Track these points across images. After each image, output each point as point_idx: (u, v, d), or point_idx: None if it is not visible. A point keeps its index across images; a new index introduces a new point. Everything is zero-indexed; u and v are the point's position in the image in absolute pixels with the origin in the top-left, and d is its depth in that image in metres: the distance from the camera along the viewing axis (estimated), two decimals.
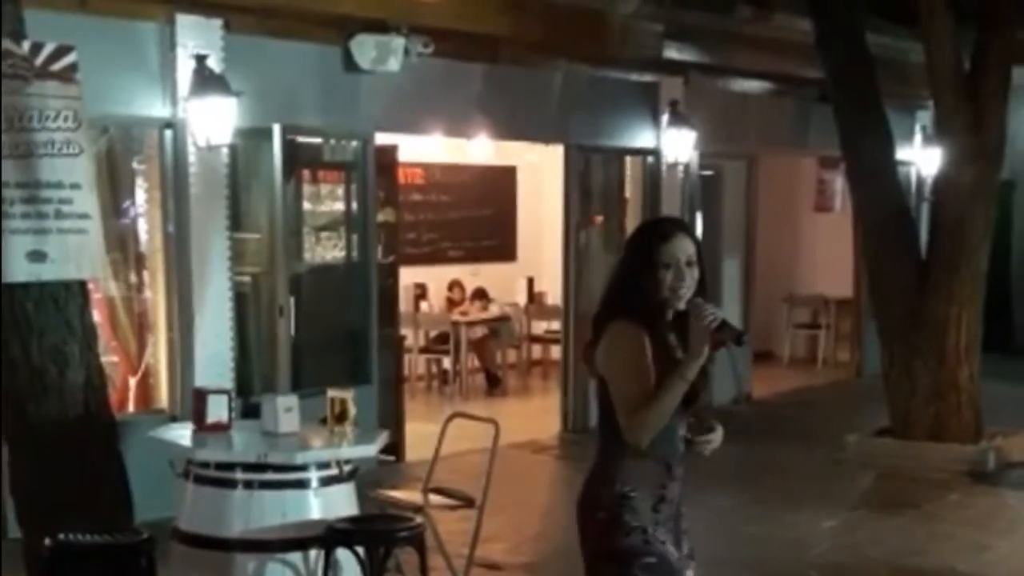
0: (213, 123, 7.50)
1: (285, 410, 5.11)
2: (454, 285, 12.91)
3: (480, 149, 12.83)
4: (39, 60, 5.29)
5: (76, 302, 5.36)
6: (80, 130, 5.36)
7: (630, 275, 3.49)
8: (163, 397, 7.82)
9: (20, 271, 5.19)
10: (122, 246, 7.78)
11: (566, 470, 9.14)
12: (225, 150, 7.73)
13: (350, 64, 8.42)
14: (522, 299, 13.44)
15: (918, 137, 13.70)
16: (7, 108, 5.14)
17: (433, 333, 12.67)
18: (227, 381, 7.43)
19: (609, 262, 9.72)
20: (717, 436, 3.54)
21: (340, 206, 8.97)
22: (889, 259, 9.56)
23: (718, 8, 10.85)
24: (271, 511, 4.79)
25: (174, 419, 7.13)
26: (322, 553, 4.75)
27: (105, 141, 7.56)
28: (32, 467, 5.35)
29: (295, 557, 4.78)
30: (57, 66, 5.35)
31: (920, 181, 13.75)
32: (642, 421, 3.38)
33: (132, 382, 7.83)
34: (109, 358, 7.24)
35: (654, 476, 3.48)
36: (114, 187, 7.71)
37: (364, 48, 8.39)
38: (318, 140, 8.76)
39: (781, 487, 8.66)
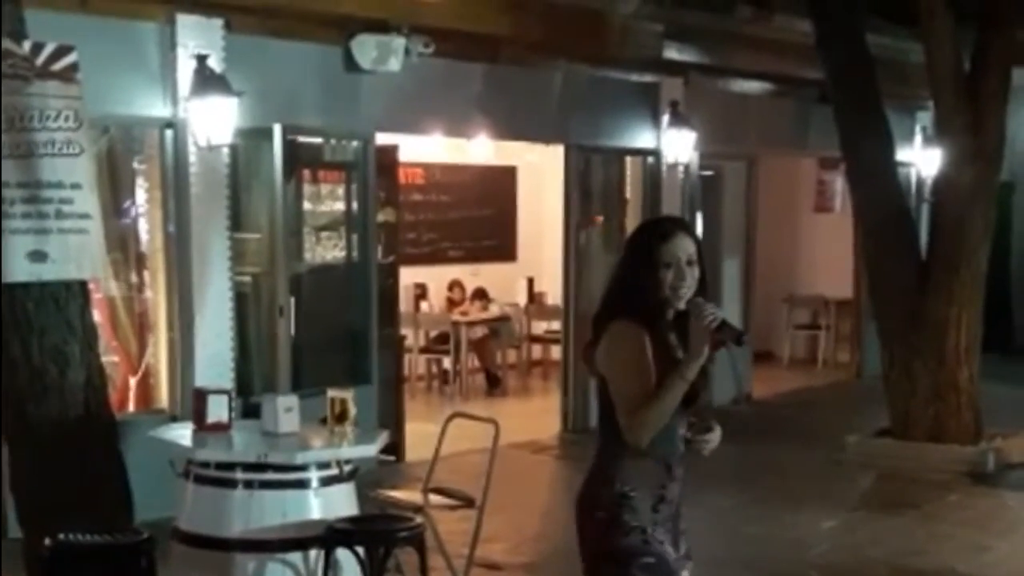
0: (214, 123, 7.50)
1: (285, 410, 5.11)
2: (454, 285, 12.91)
3: (480, 149, 12.83)
4: (40, 60, 5.30)
5: (76, 302, 5.37)
6: (81, 130, 5.36)
7: (630, 274, 3.49)
8: (163, 397, 7.82)
9: (21, 271, 5.20)
10: (123, 246, 7.79)
11: (566, 470, 9.14)
12: (226, 150, 7.73)
13: (351, 64, 8.43)
14: (522, 299, 13.44)
15: (918, 138, 13.71)
16: (8, 108, 5.15)
17: (433, 333, 12.67)
18: (227, 381, 7.44)
19: (609, 262, 9.73)
20: (716, 436, 3.54)
21: (340, 206, 8.97)
22: (889, 260, 9.56)
23: (718, 8, 10.85)
24: (271, 511, 4.79)
25: (174, 419, 7.14)
26: (322, 553, 4.76)
27: (106, 141, 7.56)
28: (32, 467, 5.35)
29: (295, 557, 4.78)
30: (58, 66, 5.35)
31: (920, 182, 13.75)
32: (642, 421, 3.38)
33: (132, 382, 7.83)
34: (109, 358, 7.24)
35: (654, 476, 3.48)
36: (115, 187, 7.71)
37: (365, 48, 8.39)
38: (319, 140, 8.76)
39: (781, 487, 8.66)
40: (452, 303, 12.85)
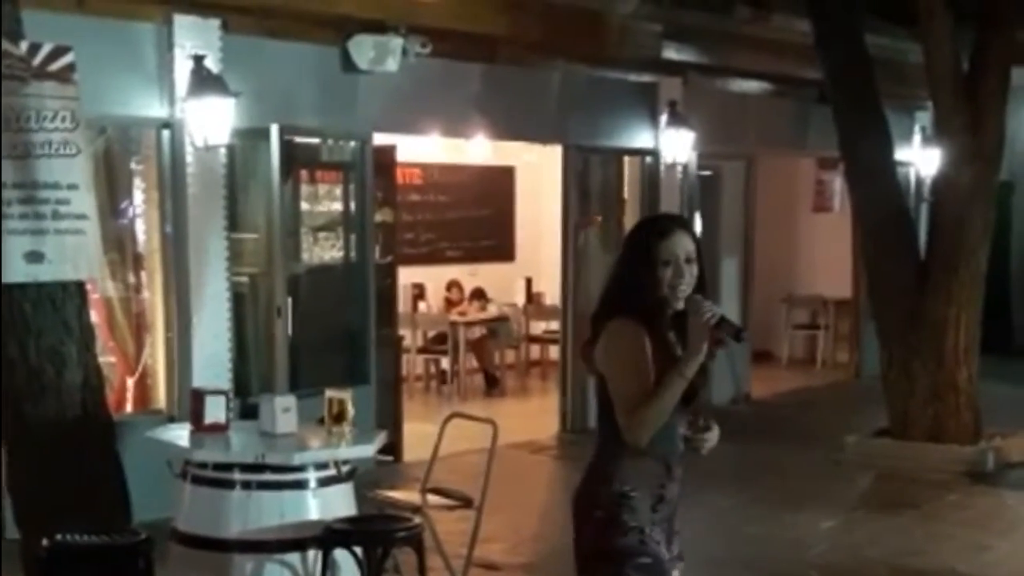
0: (211, 123, 7.49)
1: (283, 410, 5.10)
2: (452, 285, 12.91)
3: (478, 149, 12.82)
4: (37, 60, 5.29)
5: (73, 303, 5.36)
6: (78, 130, 5.36)
7: (629, 272, 3.48)
8: (161, 397, 7.82)
9: (18, 272, 5.19)
10: (120, 246, 7.78)
11: (564, 470, 9.13)
12: (223, 150, 7.72)
13: (348, 64, 8.42)
14: (520, 299, 13.44)
15: (917, 138, 13.70)
16: (5, 109, 5.14)
17: (431, 333, 12.66)
18: (225, 382, 7.43)
19: (608, 262, 9.71)
20: (714, 435, 3.52)
21: (338, 206, 8.96)
22: (888, 260, 9.56)
23: (717, 8, 10.84)
24: (269, 512, 4.78)
25: (172, 420, 7.12)
26: (320, 553, 4.75)
27: (103, 141, 7.56)
28: (30, 467, 5.34)
29: (293, 558, 4.77)
30: (55, 66, 5.35)
31: (919, 182, 13.75)
32: (641, 419, 3.36)
33: (130, 382, 7.82)
34: (107, 358, 7.24)
35: (653, 475, 3.47)
36: (112, 187, 7.70)
37: (362, 48, 8.38)
38: (316, 140, 8.75)
39: (780, 487, 8.65)
40: (450, 303, 12.84)
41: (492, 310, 12.85)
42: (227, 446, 5.06)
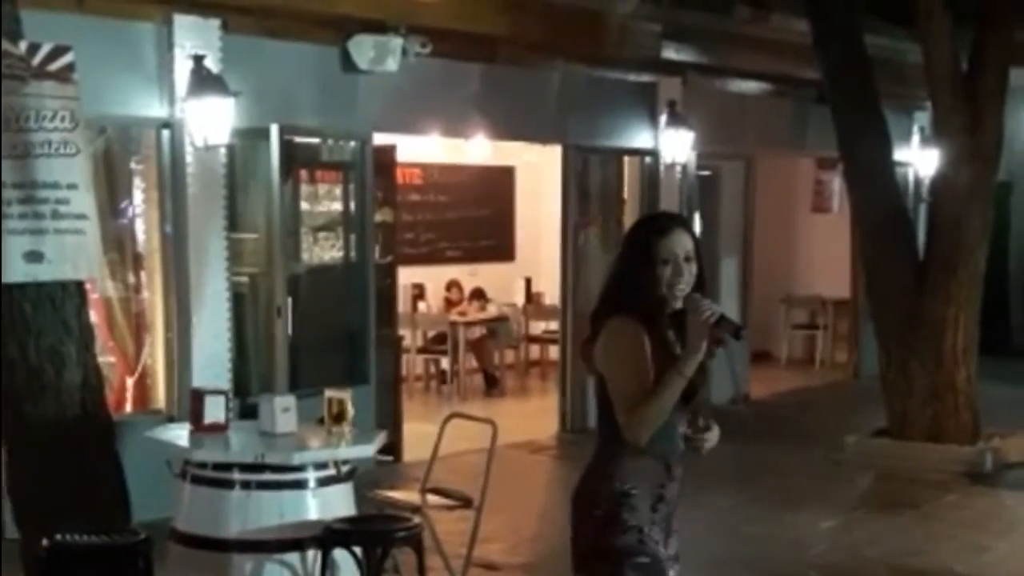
0: (211, 123, 7.49)
1: (283, 410, 5.10)
2: (452, 285, 12.91)
3: (478, 149, 12.83)
4: (36, 60, 5.29)
5: (73, 302, 5.36)
6: (77, 130, 5.36)
7: (628, 271, 3.48)
8: (160, 397, 7.82)
9: (17, 271, 5.19)
10: (119, 246, 7.78)
11: (564, 470, 9.13)
12: (223, 150, 7.72)
13: (348, 64, 8.42)
14: (520, 299, 13.44)
15: (916, 138, 13.70)
16: (4, 108, 5.14)
17: (431, 333, 12.66)
18: (224, 381, 7.44)
19: (607, 262, 9.71)
20: (714, 434, 3.52)
21: (338, 206, 8.96)
22: (887, 260, 9.56)
23: (716, 8, 10.85)
24: (268, 511, 4.78)
25: (171, 419, 7.12)
26: (319, 553, 4.75)
27: (102, 141, 7.56)
28: (29, 467, 5.34)
29: (292, 557, 4.77)
30: (54, 66, 5.35)
31: (918, 182, 13.76)
32: (641, 418, 3.36)
33: (129, 382, 7.82)
34: (106, 358, 7.24)
35: (654, 475, 3.47)
36: (111, 187, 7.70)
37: (362, 48, 8.38)
38: (316, 140, 8.75)
39: (779, 487, 8.66)
40: (450, 303, 12.84)
41: (492, 310, 12.85)
42: (227, 446, 5.06)
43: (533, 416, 10.95)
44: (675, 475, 3.52)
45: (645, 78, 10.92)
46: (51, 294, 5.28)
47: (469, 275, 13.21)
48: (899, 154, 10.94)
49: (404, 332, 11.16)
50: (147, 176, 7.81)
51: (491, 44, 9.32)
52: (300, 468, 4.85)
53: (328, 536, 4.74)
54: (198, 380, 7.20)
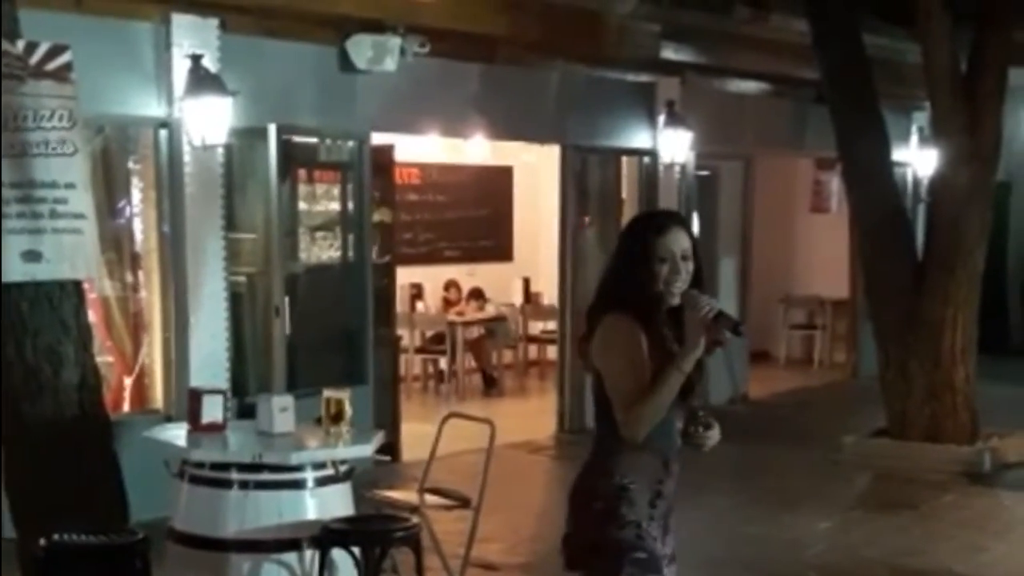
0: (209, 123, 7.48)
1: (280, 410, 5.10)
2: (450, 285, 12.90)
3: (477, 149, 12.83)
4: (34, 59, 5.29)
5: (71, 302, 5.35)
6: (75, 130, 5.35)
7: (625, 268, 3.48)
8: (158, 397, 7.81)
9: (15, 271, 5.18)
10: (117, 246, 7.77)
11: (562, 470, 9.13)
12: (220, 150, 7.72)
13: (346, 64, 8.41)
14: (518, 299, 13.44)
15: (914, 138, 13.70)
16: (2, 108, 5.13)
17: (429, 333, 12.66)
18: (222, 381, 7.42)
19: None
20: (716, 432, 3.52)
21: (336, 206, 8.96)
22: (885, 260, 9.56)
23: (715, 8, 10.84)
24: (266, 511, 4.77)
25: (169, 419, 7.12)
26: (317, 553, 4.74)
27: (100, 141, 7.55)
28: (27, 467, 5.34)
29: (290, 557, 4.76)
30: (52, 65, 5.34)
31: (916, 182, 13.76)
32: (638, 415, 3.36)
33: (127, 382, 7.81)
34: (104, 358, 7.23)
35: (652, 470, 3.46)
36: (109, 187, 7.69)
37: (360, 48, 8.38)
38: (314, 140, 8.74)
39: (778, 488, 8.65)
40: (448, 303, 12.84)
41: (490, 310, 12.85)
42: (224, 446, 5.06)
43: (531, 416, 10.94)
44: (672, 471, 3.52)
45: (644, 78, 10.92)
46: (49, 293, 5.27)
47: (467, 275, 13.21)
48: (898, 154, 10.94)
49: (402, 332, 11.17)
50: (145, 175, 7.81)
51: (490, 44, 9.32)
52: (298, 468, 4.84)
53: (326, 536, 4.73)
54: (196, 380, 7.19)
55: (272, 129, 7.97)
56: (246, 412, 5.99)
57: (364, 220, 8.92)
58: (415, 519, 5.15)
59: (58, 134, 5.28)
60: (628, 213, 11.05)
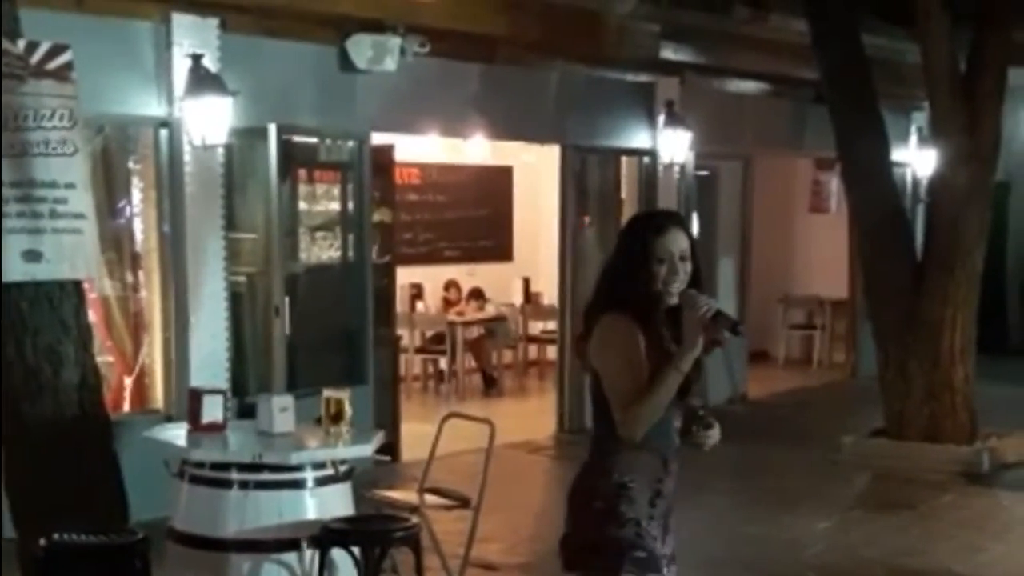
0: (209, 122, 7.48)
1: (280, 410, 5.10)
2: (450, 285, 12.91)
3: (476, 149, 12.83)
4: (34, 59, 5.29)
5: (71, 302, 5.36)
6: (75, 129, 5.35)
7: (623, 268, 3.48)
8: (158, 397, 7.81)
9: (15, 271, 5.19)
10: (117, 246, 7.77)
11: (562, 470, 9.13)
12: (221, 150, 7.72)
13: (346, 64, 8.41)
14: (518, 299, 13.44)
15: (914, 138, 13.71)
16: (3, 107, 5.13)
17: (429, 333, 12.66)
18: (222, 381, 7.42)
19: None
20: (716, 432, 3.53)
21: (336, 206, 8.96)
22: (884, 260, 9.56)
23: (715, 8, 10.85)
24: (266, 511, 4.78)
25: (169, 419, 7.12)
26: (317, 553, 4.75)
27: (100, 140, 7.55)
28: (27, 467, 5.34)
29: (290, 557, 4.77)
30: (52, 65, 5.35)
31: (916, 182, 13.76)
32: (636, 415, 3.36)
33: (127, 382, 7.82)
34: (104, 358, 7.24)
35: (650, 469, 3.46)
36: (109, 186, 7.69)
37: (360, 48, 8.38)
38: (314, 140, 8.74)
39: (777, 487, 8.66)
40: (448, 303, 12.84)
41: (490, 310, 12.85)
42: (224, 445, 5.06)
43: (531, 416, 10.95)
44: (671, 470, 3.52)
45: (643, 78, 10.92)
46: (49, 293, 5.27)
47: (467, 275, 13.21)
48: (897, 154, 10.95)
49: (402, 332, 11.17)
50: (145, 175, 7.81)
51: (489, 44, 9.32)
52: (298, 468, 4.85)
53: (326, 536, 4.74)
54: (196, 380, 7.19)
55: (272, 129, 7.97)
56: (246, 412, 5.99)
57: (364, 220, 8.92)
58: (415, 519, 5.16)
59: (58, 134, 5.28)
60: (628, 213, 11.05)
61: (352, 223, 8.90)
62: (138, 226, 7.88)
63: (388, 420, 8.78)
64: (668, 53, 10.79)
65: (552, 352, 11.83)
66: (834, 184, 14.03)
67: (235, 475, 4.79)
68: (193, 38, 7.53)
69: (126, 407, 7.73)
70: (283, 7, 7.93)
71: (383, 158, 9.35)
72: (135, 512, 5.43)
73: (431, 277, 12.95)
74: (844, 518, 7.87)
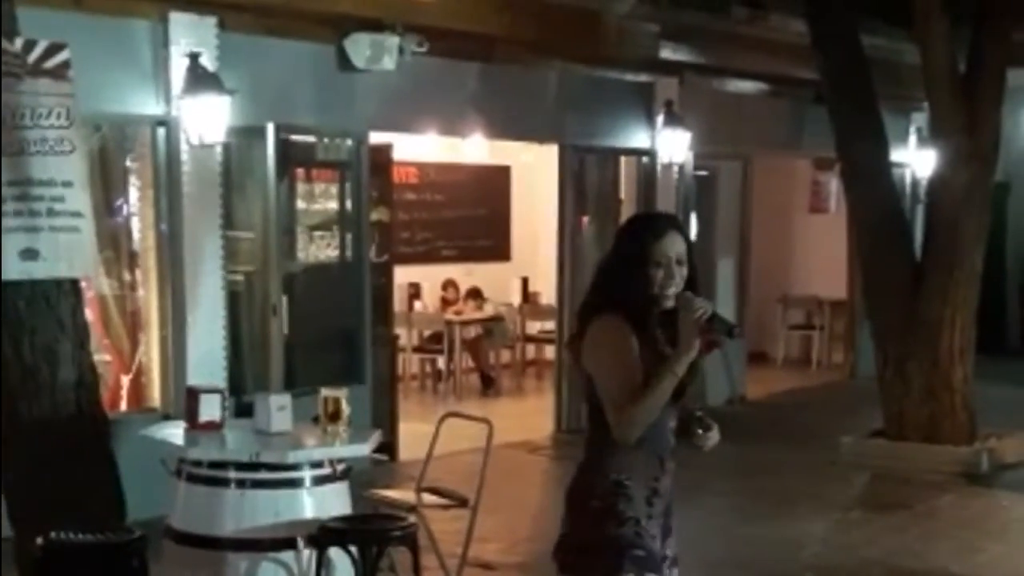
0: (206, 121, 7.48)
1: (278, 409, 5.09)
2: (448, 284, 12.90)
3: (475, 148, 12.83)
4: (32, 57, 5.29)
5: (68, 300, 5.35)
6: (73, 128, 5.35)
7: (619, 269, 3.47)
8: (156, 396, 7.80)
9: (12, 269, 5.18)
10: (115, 244, 7.76)
11: (560, 470, 9.12)
12: (218, 148, 7.71)
13: (344, 63, 8.41)
14: (516, 299, 13.44)
15: (913, 139, 13.71)
16: (1, 106, 5.12)
17: (427, 332, 12.65)
18: (220, 380, 7.41)
19: None
20: (715, 434, 3.52)
21: (334, 205, 8.95)
22: (884, 261, 9.56)
23: (714, 9, 10.84)
24: (264, 510, 4.77)
25: (167, 418, 7.10)
26: (315, 552, 4.74)
27: (98, 139, 7.54)
28: (24, 466, 5.33)
29: (288, 556, 4.76)
30: (50, 63, 5.34)
31: (915, 183, 13.77)
32: (630, 417, 3.35)
33: (125, 381, 7.80)
34: (101, 357, 7.23)
35: (647, 468, 3.45)
36: (107, 185, 7.69)
37: (359, 47, 8.37)
38: (312, 139, 8.73)
39: (775, 488, 8.65)
40: (446, 303, 12.83)
41: (488, 309, 12.84)
42: (222, 444, 5.06)
43: (529, 416, 10.94)
44: (668, 469, 3.51)
45: (642, 78, 10.92)
46: (46, 292, 5.27)
47: (465, 274, 13.20)
48: (896, 155, 10.95)
49: (400, 331, 11.16)
50: (143, 174, 7.80)
51: (488, 43, 9.31)
52: (296, 467, 4.84)
53: (324, 535, 4.73)
54: (193, 378, 7.19)
55: (270, 128, 7.97)
56: (243, 411, 5.98)
57: (362, 219, 8.91)
58: (412, 518, 5.15)
59: (56, 132, 5.28)
60: (626, 213, 11.04)
61: (350, 222, 8.89)
62: (136, 225, 7.87)
63: (386, 419, 8.77)
64: (667, 53, 10.78)
65: (550, 352, 11.84)
66: (833, 184, 14.03)
67: (232, 474, 4.79)
68: (191, 37, 7.52)
69: (123, 406, 7.72)
70: (281, 6, 7.92)
71: (381, 157, 9.35)
72: (132, 511, 5.42)
73: (429, 276, 12.95)
74: (843, 518, 7.87)
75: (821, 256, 14.46)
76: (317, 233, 8.82)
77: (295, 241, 8.65)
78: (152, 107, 7.51)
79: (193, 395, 5.24)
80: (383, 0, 8.46)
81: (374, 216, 9.23)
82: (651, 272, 3.40)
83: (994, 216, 9.96)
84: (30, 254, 5.23)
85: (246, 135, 7.93)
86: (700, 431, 3.50)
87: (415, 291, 12.80)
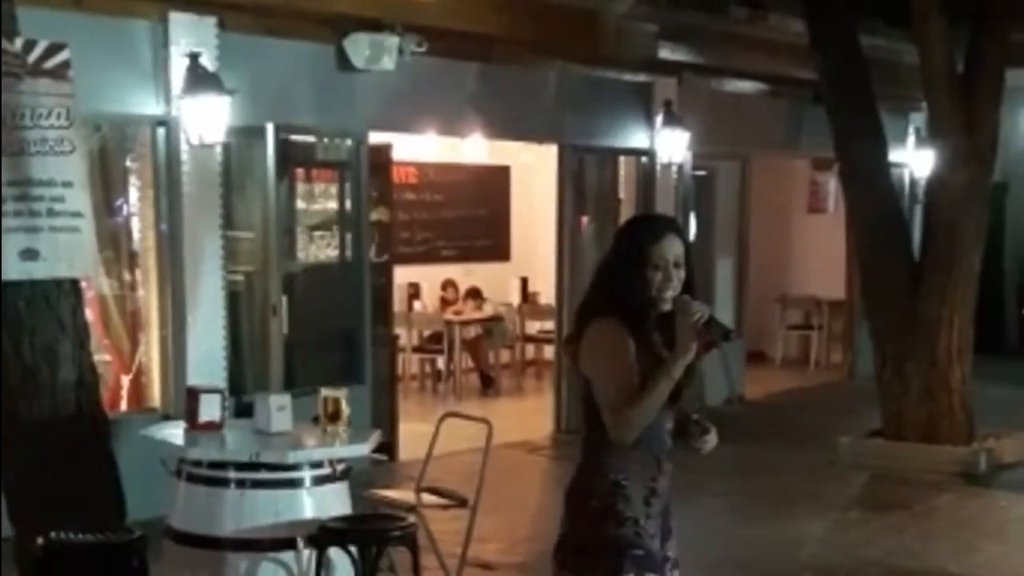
0: (206, 121, 7.48)
1: (278, 409, 5.10)
2: (448, 284, 12.91)
3: (474, 148, 12.83)
4: (32, 57, 5.29)
5: (68, 300, 5.36)
6: (73, 128, 5.36)
7: (618, 271, 3.47)
8: (156, 396, 7.80)
9: (12, 269, 5.19)
10: (115, 244, 7.77)
11: (559, 470, 9.13)
12: (218, 148, 7.72)
13: (344, 63, 8.41)
14: (516, 299, 13.44)
15: (911, 139, 13.72)
16: (1, 106, 5.13)
17: (427, 333, 12.66)
18: (220, 380, 7.42)
19: None
20: (713, 436, 3.53)
21: (333, 205, 8.96)
22: (882, 261, 9.56)
23: (712, 9, 10.85)
24: (264, 510, 4.78)
25: (167, 418, 7.11)
26: (315, 552, 4.74)
27: (98, 139, 7.54)
28: (24, 466, 5.33)
29: (287, 556, 4.77)
30: (50, 64, 5.35)
31: (913, 183, 13.78)
32: (627, 419, 3.36)
33: (125, 381, 7.81)
34: (101, 356, 7.23)
35: (644, 468, 3.46)
36: (107, 185, 7.69)
37: (358, 47, 8.37)
38: (312, 139, 8.73)
39: (774, 488, 8.66)
40: (445, 303, 12.84)
41: (487, 309, 12.85)
42: (222, 444, 5.06)
43: (529, 416, 10.94)
44: (665, 469, 3.52)
45: (641, 78, 10.92)
46: (46, 292, 5.27)
47: (465, 274, 13.21)
48: (895, 155, 10.94)
49: (400, 331, 11.16)
50: (142, 174, 7.80)
51: (487, 43, 9.32)
52: (295, 467, 4.85)
53: (323, 535, 4.74)
54: (193, 378, 7.19)
55: (270, 128, 7.97)
56: (243, 411, 5.98)
57: (361, 219, 8.92)
58: (412, 518, 5.15)
59: (56, 132, 5.29)
60: (625, 213, 11.06)
61: (350, 222, 8.90)
62: (136, 225, 7.87)
63: (385, 419, 8.78)
64: (666, 53, 10.79)
65: (549, 352, 11.85)
66: (832, 184, 14.04)
67: (232, 474, 4.79)
68: (191, 37, 7.53)
69: (123, 406, 7.72)
70: (281, 6, 7.93)
71: (381, 157, 9.35)
72: (132, 511, 5.42)
73: (428, 276, 12.95)
74: (841, 518, 7.88)
75: (819, 256, 14.47)
76: (317, 233, 8.83)
77: (295, 241, 8.66)
78: (152, 107, 7.52)
79: (193, 395, 5.24)
80: (382, 0, 8.47)
81: (374, 216, 9.24)
82: (649, 274, 3.41)
83: (992, 216, 9.97)
84: (30, 254, 5.24)
85: (246, 135, 7.93)
86: (698, 434, 3.51)
87: (415, 291, 12.81)
